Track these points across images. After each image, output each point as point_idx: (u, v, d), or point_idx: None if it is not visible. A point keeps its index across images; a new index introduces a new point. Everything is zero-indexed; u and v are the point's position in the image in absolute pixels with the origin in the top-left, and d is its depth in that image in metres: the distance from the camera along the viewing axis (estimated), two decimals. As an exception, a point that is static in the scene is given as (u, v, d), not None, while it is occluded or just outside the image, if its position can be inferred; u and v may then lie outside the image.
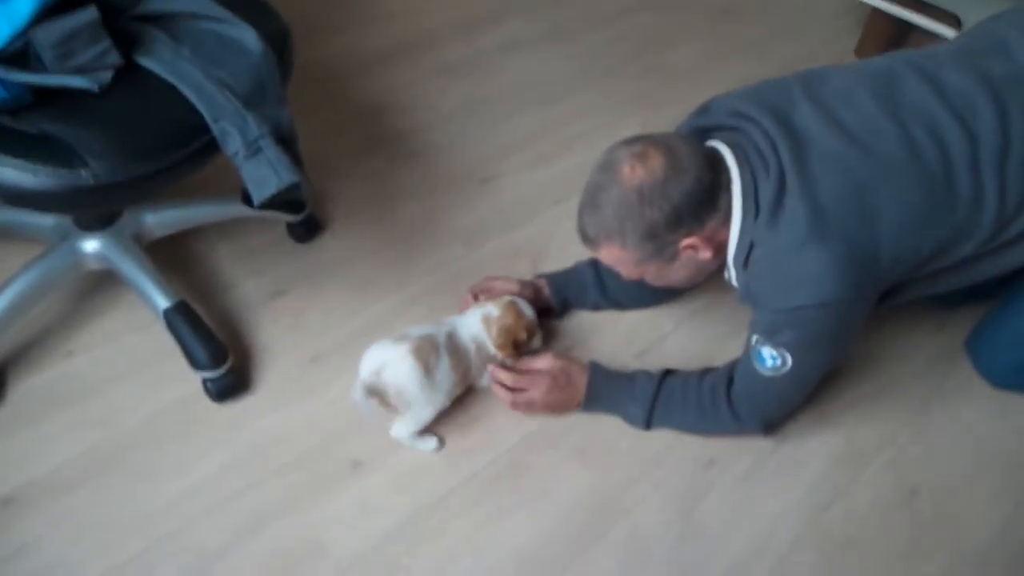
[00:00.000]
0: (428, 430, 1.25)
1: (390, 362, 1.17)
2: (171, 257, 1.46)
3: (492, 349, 1.27)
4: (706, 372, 1.26)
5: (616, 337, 1.42)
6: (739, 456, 1.26)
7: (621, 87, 2.06)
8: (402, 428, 1.22)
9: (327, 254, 1.57)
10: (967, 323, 1.42)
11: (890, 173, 1.05)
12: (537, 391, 1.27)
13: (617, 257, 1.15)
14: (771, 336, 1.09)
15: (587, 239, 1.16)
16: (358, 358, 1.20)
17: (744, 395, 1.20)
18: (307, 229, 1.57)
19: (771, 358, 1.11)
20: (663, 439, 1.28)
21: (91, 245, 1.33)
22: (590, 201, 1.13)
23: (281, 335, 1.41)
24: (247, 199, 1.45)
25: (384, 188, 1.72)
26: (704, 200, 1.08)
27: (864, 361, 1.38)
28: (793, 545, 1.16)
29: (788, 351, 1.09)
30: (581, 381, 1.29)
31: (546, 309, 1.41)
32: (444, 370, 1.20)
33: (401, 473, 1.23)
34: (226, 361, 1.27)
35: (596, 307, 1.45)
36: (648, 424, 1.27)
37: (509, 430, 1.29)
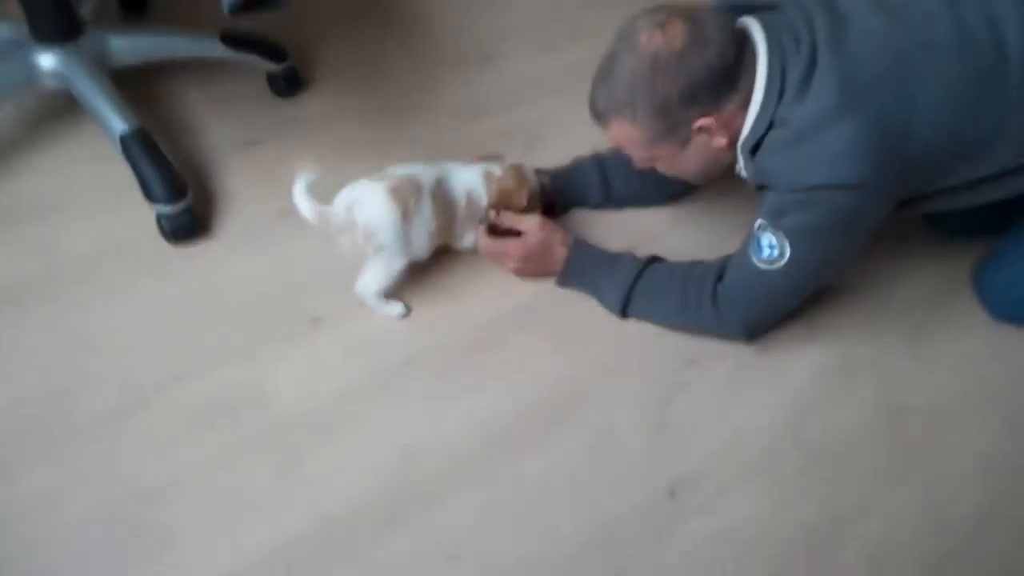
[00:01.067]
0: (395, 295, 1.16)
1: (364, 198, 1.07)
2: (140, 93, 1.34)
3: (484, 207, 1.18)
4: (696, 264, 1.17)
5: (610, 230, 1.32)
6: (722, 358, 1.18)
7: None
8: (369, 281, 1.12)
9: (309, 111, 1.46)
10: (973, 254, 1.33)
11: (934, 56, 0.96)
12: (510, 257, 1.20)
13: (627, 135, 1.06)
14: (776, 218, 1.01)
15: (597, 113, 1.07)
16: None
17: (732, 289, 1.11)
18: (288, 82, 1.46)
19: (769, 247, 1.03)
20: (645, 332, 1.20)
21: (48, 60, 1.22)
22: (603, 71, 1.04)
23: (250, 185, 1.31)
24: (226, 39, 1.36)
25: (377, 53, 1.60)
26: (723, 78, 0.99)
27: (864, 281, 1.30)
28: (766, 452, 1.09)
29: (789, 238, 1.00)
30: (560, 254, 1.20)
31: (548, 206, 1.31)
32: (424, 217, 1.10)
33: (361, 335, 1.14)
34: (184, 196, 1.17)
35: (598, 206, 1.35)
36: (624, 309, 1.19)
37: (481, 306, 1.21)
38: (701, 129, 1.02)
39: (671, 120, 1.01)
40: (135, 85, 1.32)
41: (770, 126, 0.99)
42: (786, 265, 1.03)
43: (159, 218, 1.18)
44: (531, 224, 1.19)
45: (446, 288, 1.22)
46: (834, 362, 1.20)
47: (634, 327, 1.20)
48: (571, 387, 1.13)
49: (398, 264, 1.11)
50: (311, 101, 1.48)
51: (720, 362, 1.18)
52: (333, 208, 1.07)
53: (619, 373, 1.16)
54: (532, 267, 1.21)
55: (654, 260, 1.20)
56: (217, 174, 1.31)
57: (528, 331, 1.19)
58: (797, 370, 1.18)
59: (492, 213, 1.19)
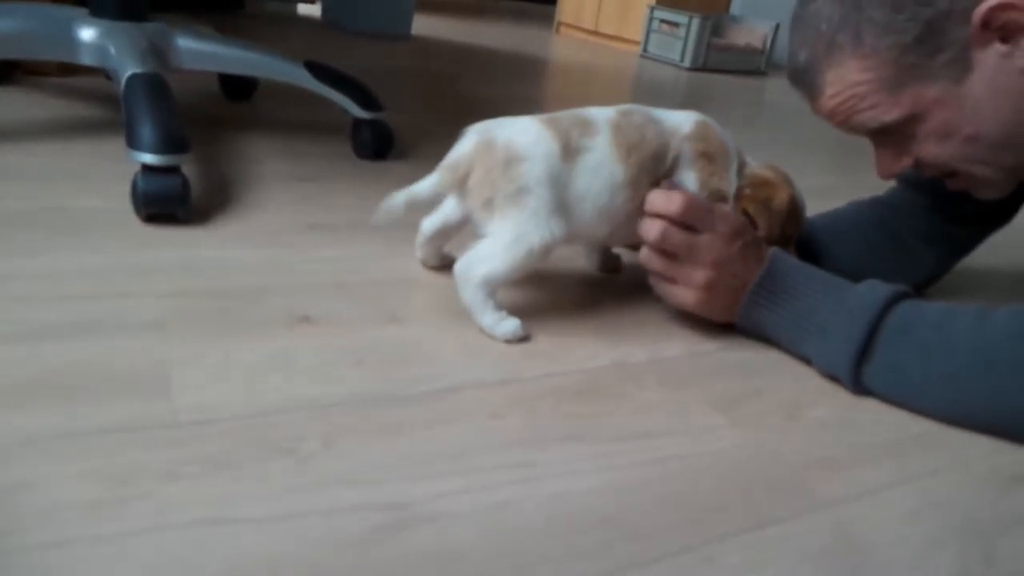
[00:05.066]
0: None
1: (508, 124, 0.68)
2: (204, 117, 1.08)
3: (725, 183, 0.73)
4: (989, 309, 0.63)
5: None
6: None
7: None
8: (486, 254, 0.66)
9: (390, 174, 1.13)
10: None
11: None
12: (711, 234, 0.68)
13: (856, 80, 0.64)
14: None
15: (801, 75, 0.68)
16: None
17: None
18: (376, 139, 1.16)
19: None
20: (903, 418, 0.62)
21: (89, 32, 0.99)
22: (797, 17, 0.68)
23: (283, 204, 0.94)
24: (311, 67, 1.11)
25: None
26: None
27: None
28: None
29: None
30: (764, 258, 0.69)
31: None
32: (599, 159, 0.68)
33: (372, 345, 0.64)
34: (180, 151, 0.81)
35: None
36: (858, 368, 0.64)
37: (602, 345, 0.68)
38: (994, 28, 0.59)
39: (923, 19, 0.60)
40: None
41: None
42: None
43: (135, 180, 0.80)
44: (726, 211, 0.71)
45: (556, 319, 0.72)
46: None
47: (879, 412, 0.63)
48: (771, 477, 0.54)
49: (540, 233, 0.65)
50: (396, 168, 1.15)
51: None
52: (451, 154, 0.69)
53: (864, 473, 0.56)
54: (727, 283, 0.69)
55: (906, 294, 0.66)
56: (248, 190, 0.96)
57: (672, 388, 0.64)
58: None
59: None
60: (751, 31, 3.14)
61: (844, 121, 0.68)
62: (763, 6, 3.31)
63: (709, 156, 0.72)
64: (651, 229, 0.68)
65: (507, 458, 0.52)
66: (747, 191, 0.73)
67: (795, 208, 0.75)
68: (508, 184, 0.65)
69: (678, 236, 0.68)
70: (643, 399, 0.62)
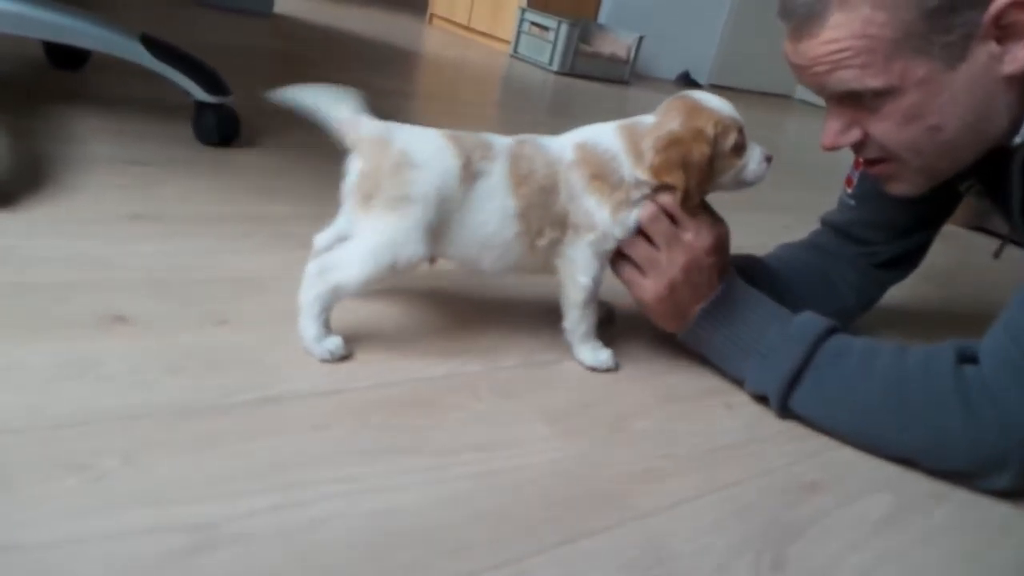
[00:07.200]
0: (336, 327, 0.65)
1: (409, 130, 0.66)
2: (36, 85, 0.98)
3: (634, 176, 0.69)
4: (905, 346, 0.68)
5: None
6: (871, 487, 0.62)
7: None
8: (347, 258, 0.63)
9: (234, 162, 1.07)
10: None
11: None
12: (669, 254, 0.70)
13: (855, 33, 0.61)
14: None
15: (802, 7, 0.63)
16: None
17: (1003, 372, 0.60)
18: (220, 124, 1.09)
19: None
20: (716, 429, 0.65)
21: None
22: None
23: (110, 183, 0.87)
24: (149, 43, 1.03)
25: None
26: None
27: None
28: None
29: None
30: (719, 279, 0.71)
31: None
32: (494, 186, 0.66)
33: (192, 350, 0.60)
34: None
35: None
36: (789, 389, 0.68)
37: (437, 356, 0.68)
38: (999, 26, 0.58)
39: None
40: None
41: None
42: None
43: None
44: (706, 217, 0.71)
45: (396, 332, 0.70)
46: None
47: (697, 422, 0.66)
48: (586, 490, 0.56)
49: (411, 248, 0.63)
50: (241, 156, 1.09)
51: (865, 495, 0.61)
52: (364, 121, 0.65)
53: (680, 486, 0.59)
54: (678, 302, 0.71)
55: (837, 328, 0.70)
56: (67, 172, 0.87)
57: (506, 400, 0.65)
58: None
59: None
60: (616, 41, 3.24)
61: (823, 74, 0.64)
62: (628, 17, 3.43)
63: (602, 177, 0.68)
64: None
65: (328, 473, 0.51)
66: (657, 160, 0.67)
67: (724, 130, 0.69)
68: (393, 188, 0.62)
69: (642, 248, 0.70)
70: (475, 410, 0.62)
